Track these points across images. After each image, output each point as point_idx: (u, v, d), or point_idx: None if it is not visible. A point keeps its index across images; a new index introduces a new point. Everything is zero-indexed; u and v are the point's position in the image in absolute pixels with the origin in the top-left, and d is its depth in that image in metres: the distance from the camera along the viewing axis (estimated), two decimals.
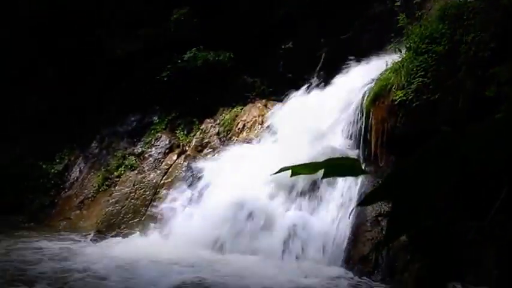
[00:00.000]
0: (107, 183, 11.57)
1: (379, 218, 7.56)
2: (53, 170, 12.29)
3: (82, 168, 12.36)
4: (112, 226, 10.34)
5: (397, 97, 7.98)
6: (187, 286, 6.83)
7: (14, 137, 12.44)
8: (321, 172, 1.33)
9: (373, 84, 8.96)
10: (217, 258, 8.35)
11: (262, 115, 10.85)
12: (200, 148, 11.06)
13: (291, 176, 1.41)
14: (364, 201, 1.16)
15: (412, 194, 1.07)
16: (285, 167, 1.37)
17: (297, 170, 1.39)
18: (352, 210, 8.11)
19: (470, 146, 1.03)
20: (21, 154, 12.41)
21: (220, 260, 8.29)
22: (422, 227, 1.10)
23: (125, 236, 9.92)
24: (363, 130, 8.85)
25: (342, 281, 7.22)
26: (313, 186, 8.71)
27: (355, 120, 9.05)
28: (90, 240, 9.73)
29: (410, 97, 7.79)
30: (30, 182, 12.02)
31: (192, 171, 10.45)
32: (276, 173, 1.42)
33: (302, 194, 8.72)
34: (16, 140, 12.49)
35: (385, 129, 8.32)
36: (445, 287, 1.07)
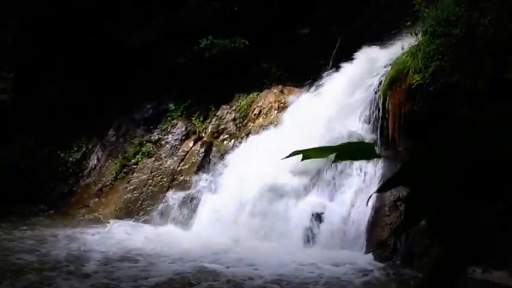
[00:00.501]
0: (124, 170, 11.64)
1: (398, 203, 7.54)
2: (71, 159, 12.37)
3: (100, 156, 12.44)
4: (130, 213, 10.43)
5: (415, 81, 7.92)
6: (205, 272, 6.88)
7: (31, 126, 12.52)
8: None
9: (389, 69, 8.91)
10: (235, 245, 8.40)
11: (279, 101, 10.82)
12: (216, 134, 11.08)
13: (302, 159, 1.40)
14: (382, 187, 1.15)
15: (430, 180, 1.06)
16: (297, 151, 1.36)
17: (308, 153, 1.38)
18: (371, 196, 8.11)
19: (480, 133, 1.01)
20: (40, 143, 12.50)
21: (238, 246, 8.34)
22: (441, 212, 1.09)
23: (143, 222, 10.00)
24: (380, 114, 8.81)
25: (361, 266, 7.23)
26: (332, 172, 8.69)
27: (372, 105, 9.01)
28: (109, 227, 9.80)
29: (427, 80, 7.73)
30: (49, 171, 12.11)
31: (209, 158, 10.48)
32: (287, 156, 1.41)
33: (321, 179, 8.71)
34: (34, 129, 12.58)
35: (402, 113, 8.27)
36: (465, 271, 1.06)
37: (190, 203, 9.94)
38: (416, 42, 8.43)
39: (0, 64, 12.36)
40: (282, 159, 1.36)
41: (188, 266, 7.14)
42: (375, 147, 1.26)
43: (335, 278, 6.70)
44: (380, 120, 8.82)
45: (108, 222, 10.20)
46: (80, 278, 6.56)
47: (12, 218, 10.58)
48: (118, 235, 9.16)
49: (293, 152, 1.34)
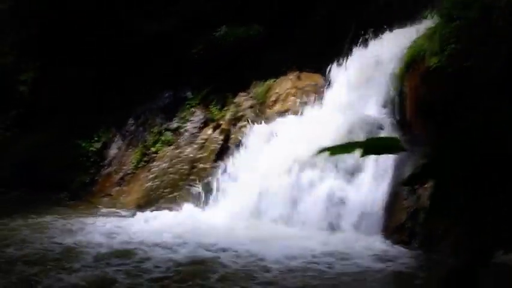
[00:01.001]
0: (145, 159, 11.80)
1: (415, 187, 7.58)
2: (91, 148, 12.55)
3: (120, 145, 12.60)
4: (152, 201, 10.59)
5: (431, 64, 7.92)
6: (227, 258, 7.02)
7: (52, 117, 12.72)
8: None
9: (405, 52, 8.91)
10: (255, 229, 8.53)
11: (296, 87, 10.88)
12: (234, 122, 11.17)
13: (330, 155, 1.46)
14: (408, 181, 1.23)
15: (454, 173, 1.14)
16: (323, 148, 1.42)
17: (334, 150, 1.43)
18: (388, 180, 8.14)
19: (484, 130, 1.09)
20: (61, 134, 12.70)
21: (258, 231, 8.46)
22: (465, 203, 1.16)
23: (164, 210, 10.15)
24: (397, 98, 8.83)
25: (379, 250, 7.31)
26: (350, 156, 8.71)
27: (389, 89, 9.03)
28: (132, 215, 9.97)
29: (444, 63, 7.74)
30: (70, 161, 12.31)
31: (228, 145, 10.59)
32: (315, 154, 1.48)
33: (338, 164, 8.78)
34: (55, 120, 12.78)
35: (420, 96, 8.28)
36: (491, 257, 1.14)
37: (210, 190, 10.08)
38: (433, 25, 8.43)
39: (20, 57, 12.56)
40: (310, 156, 1.45)
41: (206, 252, 7.31)
42: (400, 142, 1.34)
43: (352, 263, 6.79)
44: (397, 104, 8.85)
45: (130, 210, 10.39)
46: (101, 263, 6.72)
47: (35, 208, 10.78)
48: (139, 222, 9.33)
49: (320, 149, 1.40)
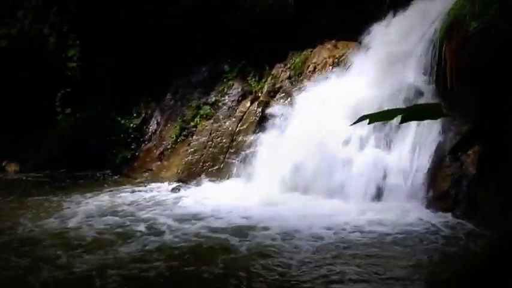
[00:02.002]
0: (184, 133, 11.87)
1: (458, 154, 7.45)
2: (131, 124, 12.68)
3: (159, 120, 12.69)
4: (192, 175, 10.67)
5: (472, 28, 7.68)
6: (263, 229, 7.05)
7: (94, 95, 12.88)
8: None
9: (446, 15, 8.66)
10: (294, 201, 8.53)
11: (333, 56, 10.74)
12: (272, 93, 11.11)
13: (369, 123, 1.43)
14: (455, 149, 1.20)
15: (501, 140, 1.10)
16: (364, 116, 1.40)
17: (375, 117, 1.42)
18: (431, 148, 8.02)
19: None
20: (103, 111, 12.86)
21: (300, 201, 8.46)
22: None
23: (204, 183, 10.23)
24: (437, 64, 8.61)
25: (421, 218, 7.23)
26: (390, 124, 8.60)
27: (429, 54, 8.82)
28: (173, 189, 10.07)
29: (485, 27, 7.50)
30: (112, 137, 12.49)
31: (267, 117, 10.56)
32: (354, 123, 1.46)
33: (378, 132, 8.68)
34: (97, 98, 12.93)
35: (461, 61, 8.07)
36: None
37: (249, 163, 10.10)
38: None
39: (61, 37, 12.70)
40: (350, 125, 1.41)
41: (243, 223, 7.40)
42: (442, 107, 1.31)
43: (394, 232, 6.74)
44: (437, 70, 8.64)
45: (171, 184, 10.49)
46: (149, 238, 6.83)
47: (80, 184, 11.04)
48: (180, 196, 9.49)
49: (361, 117, 1.39)
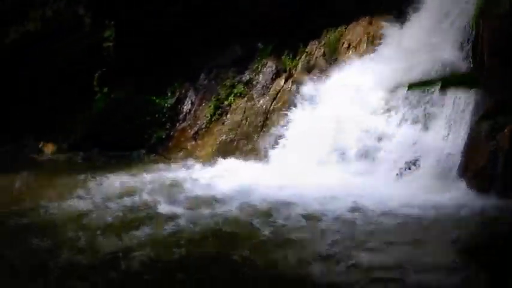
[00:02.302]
0: (218, 112, 11.85)
1: (494, 131, 7.28)
2: (166, 104, 12.70)
3: (193, 100, 12.68)
4: (226, 154, 10.67)
5: (508, 5, 7.49)
6: (294, 205, 7.02)
7: (129, 75, 12.94)
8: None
9: None
10: (327, 177, 8.45)
11: (368, 32, 10.57)
12: (307, 71, 11.01)
13: (408, 90, 1.38)
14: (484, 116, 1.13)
15: None
16: (403, 83, 1.34)
17: (413, 86, 1.36)
18: (466, 124, 7.85)
19: None
20: (137, 90, 12.92)
21: (332, 179, 8.38)
22: None
23: (239, 161, 10.23)
24: (474, 41, 8.42)
25: (457, 197, 7.09)
26: (425, 101, 8.45)
27: (465, 31, 8.61)
28: (206, 168, 10.09)
29: None
30: (147, 117, 12.55)
31: (301, 94, 10.47)
32: (394, 90, 1.39)
33: (415, 108, 8.52)
34: (131, 78, 12.99)
35: (497, 38, 7.86)
36: None
37: (283, 140, 10.05)
38: None
39: (97, 17, 12.77)
40: (390, 91, 1.34)
41: (276, 200, 7.43)
42: (476, 77, 1.23)
43: (430, 209, 6.64)
44: (473, 47, 8.44)
45: (205, 163, 10.49)
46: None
47: (113, 164, 11.17)
48: (213, 174, 9.49)
49: (397, 85, 1.33)
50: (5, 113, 12.48)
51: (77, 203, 7.82)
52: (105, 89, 12.97)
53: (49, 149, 12.77)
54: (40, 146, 12.84)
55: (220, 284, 5.17)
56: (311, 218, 6.67)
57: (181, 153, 11.82)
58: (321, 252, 5.59)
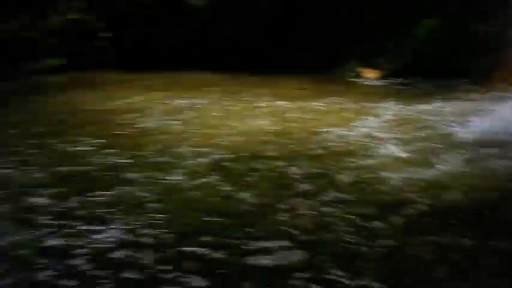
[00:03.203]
0: None
1: None
2: (489, 33, 12.28)
3: None
4: None
5: None
6: None
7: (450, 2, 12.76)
8: None
9: None
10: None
11: None
12: None
13: None
14: None
15: None
16: None
17: None
18: None
19: None
20: (456, 18, 12.67)
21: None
22: None
23: None
24: None
25: None
26: None
27: None
28: None
29: None
30: (468, 46, 12.30)
31: None
32: None
33: None
34: (451, 5, 12.79)
35: None
36: None
37: None
38: None
39: None
40: None
41: None
42: None
43: None
44: None
45: None
46: None
47: (421, 92, 11.40)
48: None
49: None
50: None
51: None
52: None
53: (368, 74, 13.30)
54: (359, 71, 13.44)
55: None
56: None
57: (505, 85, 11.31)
58: None
